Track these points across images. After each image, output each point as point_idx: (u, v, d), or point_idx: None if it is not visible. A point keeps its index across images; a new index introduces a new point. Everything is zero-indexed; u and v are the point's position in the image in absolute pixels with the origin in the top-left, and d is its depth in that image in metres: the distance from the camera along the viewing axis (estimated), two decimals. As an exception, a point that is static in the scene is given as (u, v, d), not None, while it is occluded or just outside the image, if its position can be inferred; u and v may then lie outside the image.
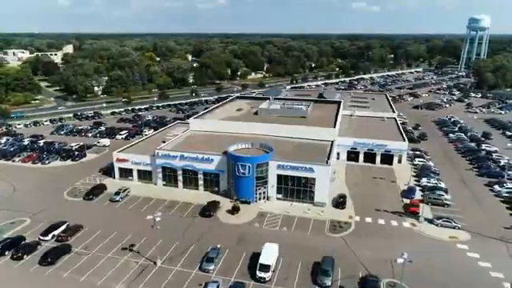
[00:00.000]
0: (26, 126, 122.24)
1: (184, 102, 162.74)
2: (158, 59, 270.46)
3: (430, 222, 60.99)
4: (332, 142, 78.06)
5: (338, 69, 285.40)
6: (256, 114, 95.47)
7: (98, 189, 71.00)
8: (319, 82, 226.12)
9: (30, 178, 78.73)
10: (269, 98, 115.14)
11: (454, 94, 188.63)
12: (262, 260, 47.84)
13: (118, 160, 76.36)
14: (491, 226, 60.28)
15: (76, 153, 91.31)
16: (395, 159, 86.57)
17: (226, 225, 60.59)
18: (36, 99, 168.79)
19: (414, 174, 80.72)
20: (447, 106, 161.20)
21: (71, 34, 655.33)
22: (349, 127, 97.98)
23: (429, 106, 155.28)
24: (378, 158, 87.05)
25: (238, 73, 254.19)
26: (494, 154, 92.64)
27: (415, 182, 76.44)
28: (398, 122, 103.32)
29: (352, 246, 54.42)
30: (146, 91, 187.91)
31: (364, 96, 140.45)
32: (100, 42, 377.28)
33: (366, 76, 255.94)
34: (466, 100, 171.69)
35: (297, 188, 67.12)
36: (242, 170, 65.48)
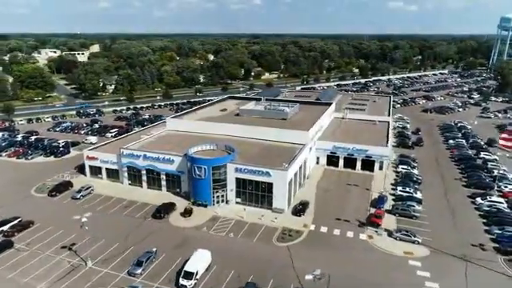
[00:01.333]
0: (28, 121, 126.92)
1: (186, 101, 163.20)
2: (178, 58, 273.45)
3: (390, 234, 56.85)
4: (303, 145, 74.98)
5: (357, 69, 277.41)
6: (238, 115, 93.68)
7: (63, 186, 71.84)
8: (332, 84, 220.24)
9: (7, 173, 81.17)
10: (260, 99, 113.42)
11: (472, 98, 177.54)
12: (187, 267, 46.11)
13: (88, 158, 77.04)
14: (457, 242, 55.30)
15: (60, 149, 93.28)
16: (376, 165, 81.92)
17: (174, 228, 59.28)
18: (50, 96, 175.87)
19: (393, 182, 76.14)
20: (460, 110, 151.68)
21: (108, 34, 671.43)
22: (334, 130, 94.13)
23: (440, 109, 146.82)
24: (359, 164, 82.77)
25: (252, 73, 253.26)
26: (490, 163, 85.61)
27: (391, 191, 71.92)
28: (390, 126, 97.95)
29: (294, 256, 51.51)
30: (153, 90, 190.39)
31: (365, 98, 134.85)
32: (129, 42, 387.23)
33: (384, 77, 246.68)
34: (483, 104, 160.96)
35: (255, 192, 64.75)
36: (197, 172, 63.93)
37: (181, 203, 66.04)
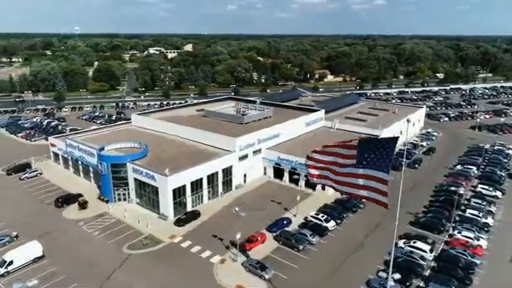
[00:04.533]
0: (72, 109, 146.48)
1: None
2: (259, 59, 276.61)
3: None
4: (229, 152, 70.38)
5: (441, 75, 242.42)
6: (205, 116, 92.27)
7: (22, 167, 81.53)
8: (393, 90, 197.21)
9: (2, 150, 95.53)
10: (255, 101, 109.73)
11: None
12: (5, 255, 48.37)
13: (51, 144, 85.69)
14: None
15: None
16: (319, 185, 71.58)
17: (61, 217, 62.22)
18: (117, 88, 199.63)
19: (324, 206, 65.76)
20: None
21: (234, 34, 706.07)
22: (303, 141, 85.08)
23: (494, 128, 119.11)
24: (303, 180, 73.64)
25: (317, 75, 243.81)
26: (473, 201, 66.92)
27: (311, 215, 62.32)
28: (399, 142, 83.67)
29: (125, 265, 49.40)
30: (195, 88, 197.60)
31: (384, 108, 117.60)
32: (227, 42, 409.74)
33: (467, 86, 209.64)
34: None
35: (149, 195, 63.62)
36: (100, 167, 65.80)
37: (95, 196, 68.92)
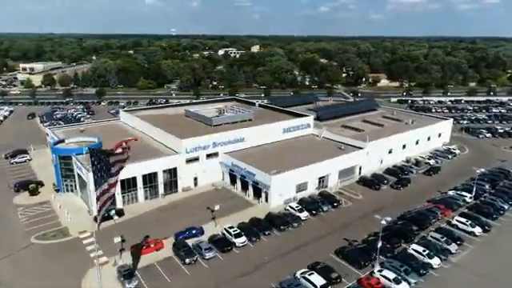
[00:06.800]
0: (109, 104, 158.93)
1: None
2: (322, 61, 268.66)
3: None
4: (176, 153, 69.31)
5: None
6: (187, 116, 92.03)
7: (19, 152, 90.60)
8: (447, 98, 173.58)
9: (22, 135, 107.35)
10: (254, 104, 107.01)
11: None
12: None
13: (46, 134, 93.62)
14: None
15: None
16: (263, 195, 66.28)
17: (10, 201, 67.25)
18: (165, 86, 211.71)
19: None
20: None
21: (326, 36, 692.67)
22: (273, 148, 79.70)
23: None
24: (251, 189, 68.88)
25: (370, 79, 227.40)
26: (430, 235, 55.21)
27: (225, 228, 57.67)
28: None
29: (18, 255, 51.71)
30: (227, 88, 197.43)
31: (397, 118, 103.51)
32: (299, 44, 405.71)
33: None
34: None
35: (83, 189, 65.53)
36: (52, 157, 69.91)
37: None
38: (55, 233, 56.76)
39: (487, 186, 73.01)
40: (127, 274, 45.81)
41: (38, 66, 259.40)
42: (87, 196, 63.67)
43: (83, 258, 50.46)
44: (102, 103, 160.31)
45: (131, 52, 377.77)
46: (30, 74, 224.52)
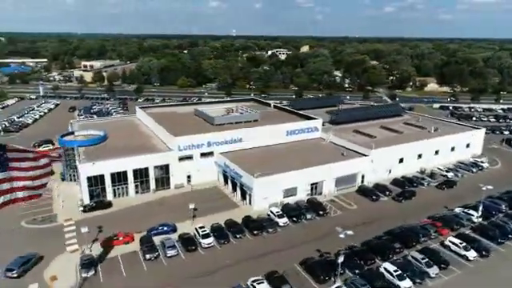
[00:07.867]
0: (145, 100, 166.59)
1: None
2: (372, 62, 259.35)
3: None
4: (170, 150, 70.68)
5: None
6: (196, 115, 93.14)
7: (44, 142, 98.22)
8: (500, 106, 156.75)
9: (58, 123, 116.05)
10: (269, 105, 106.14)
11: None
12: None
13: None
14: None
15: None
16: (247, 197, 65.03)
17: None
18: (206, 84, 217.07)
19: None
20: None
21: (374, 37, 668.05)
22: (273, 151, 77.88)
23: None
24: (238, 191, 67.99)
25: (417, 83, 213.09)
26: (411, 254, 50.01)
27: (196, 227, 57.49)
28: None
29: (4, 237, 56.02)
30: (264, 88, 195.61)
31: (419, 125, 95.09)
32: (353, 45, 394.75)
33: None
34: None
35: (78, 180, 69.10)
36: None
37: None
38: (44, 219, 60.62)
39: (503, 206, 64.67)
40: (87, 263, 47.49)
41: (97, 64, 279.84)
42: (80, 187, 67.32)
43: (58, 244, 53.27)
44: (139, 100, 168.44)
45: (185, 52, 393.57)
46: (84, 71, 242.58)
